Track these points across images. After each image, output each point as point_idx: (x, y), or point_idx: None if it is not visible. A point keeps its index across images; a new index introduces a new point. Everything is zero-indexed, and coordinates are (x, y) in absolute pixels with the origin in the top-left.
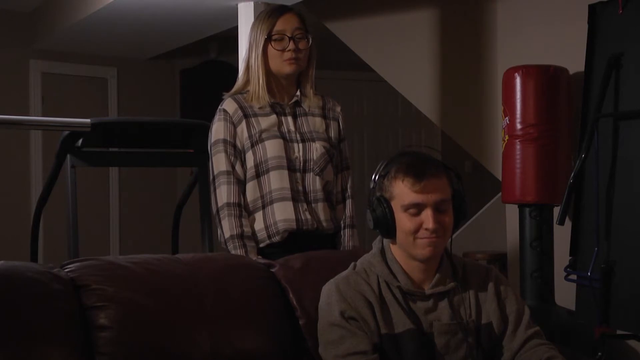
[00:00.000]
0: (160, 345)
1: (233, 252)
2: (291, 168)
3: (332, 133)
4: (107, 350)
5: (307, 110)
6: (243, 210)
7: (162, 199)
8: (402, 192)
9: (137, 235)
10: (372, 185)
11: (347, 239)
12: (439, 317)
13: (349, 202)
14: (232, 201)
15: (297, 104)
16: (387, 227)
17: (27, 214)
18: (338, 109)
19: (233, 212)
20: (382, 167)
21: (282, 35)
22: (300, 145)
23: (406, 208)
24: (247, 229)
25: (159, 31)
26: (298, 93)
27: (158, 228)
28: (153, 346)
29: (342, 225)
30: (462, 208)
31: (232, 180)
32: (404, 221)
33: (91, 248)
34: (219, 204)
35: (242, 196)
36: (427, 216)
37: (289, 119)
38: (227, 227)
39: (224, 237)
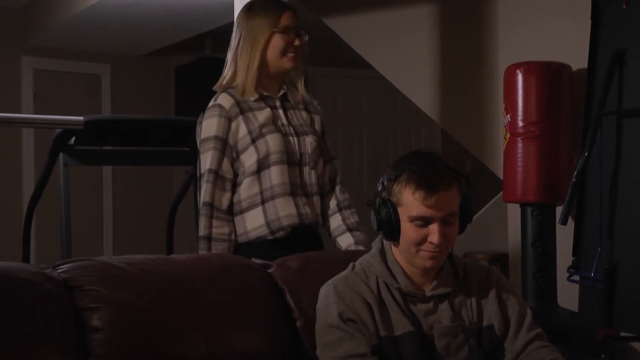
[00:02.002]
0: (155, 347)
1: (200, 252)
2: (290, 162)
3: (317, 126)
4: (101, 352)
5: (292, 103)
6: (215, 211)
7: (157, 198)
8: (411, 203)
9: (131, 235)
10: (379, 187)
11: (347, 216)
12: (440, 319)
13: (338, 188)
14: (207, 200)
15: (285, 97)
16: (391, 231)
17: (19, 213)
18: (315, 102)
19: (206, 212)
20: (392, 170)
21: (287, 31)
22: (295, 139)
23: (413, 219)
24: (216, 230)
25: (154, 27)
26: (284, 87)
27: (152, 228)
28: (148, 348)
29: (338, 208)
30: (468, 213)
31: (215, 179)
32: (409, 231)
33: (84, 248)
34: (200, 203)
35: (222, 196)
36: (434, 230)
37: (280, 112)
38: (200, 226)
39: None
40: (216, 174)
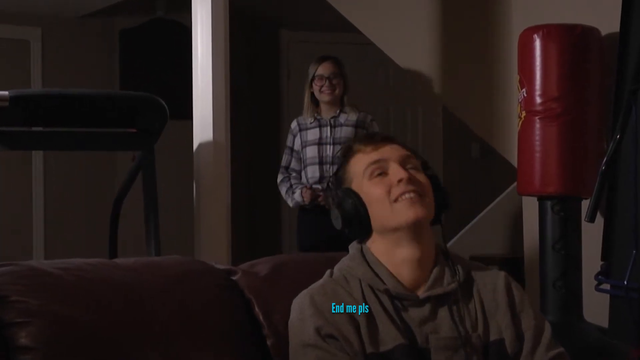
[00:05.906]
0: None
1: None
2: (322, 162)
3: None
4: None
5: (342, 122)
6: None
7: (98, 191)
8: (359, 161)
9: (67, 236)
10: (330, 186)
11: None
12: (437, 328)
13: None
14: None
15: (335, 118)
16: (359, 219)
17: None
18: (368, 119)
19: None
20: (338, 167)
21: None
22: (332, 147)
23: (368, 172)
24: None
25: None
26: (338, 111)
27: (92, 226)
28: None
29: None
30: (441, 194)
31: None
32: (372, 189)
33: (10, 250)
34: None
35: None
36: (395, 169)
37: (327, 129)
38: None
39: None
40: (285, 168)
